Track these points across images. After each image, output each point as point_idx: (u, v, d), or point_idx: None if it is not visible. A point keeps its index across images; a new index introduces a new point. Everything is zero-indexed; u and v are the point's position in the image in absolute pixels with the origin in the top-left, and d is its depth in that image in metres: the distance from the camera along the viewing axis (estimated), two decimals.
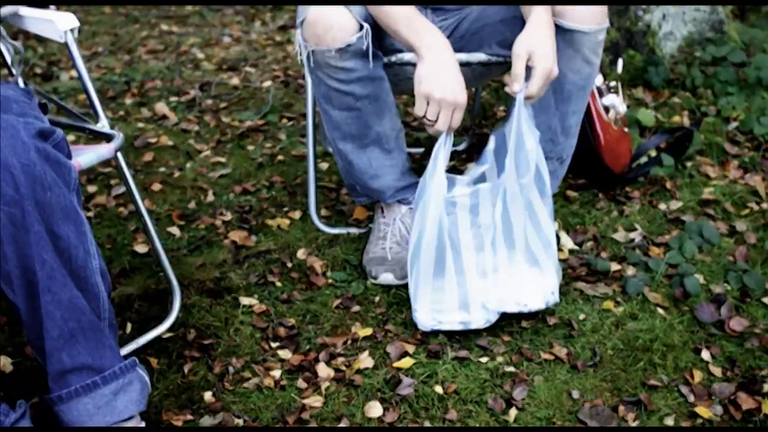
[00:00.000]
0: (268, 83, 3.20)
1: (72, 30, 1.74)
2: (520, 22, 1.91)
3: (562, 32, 1.83)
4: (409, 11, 1.78)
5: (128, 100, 3.08)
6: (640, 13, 3.11)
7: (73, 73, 3.36)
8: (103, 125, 1.78)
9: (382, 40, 1.93)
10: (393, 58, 1.94)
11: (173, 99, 3.08)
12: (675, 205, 2.34)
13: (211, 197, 2.40)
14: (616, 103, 2.52)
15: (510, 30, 1.94)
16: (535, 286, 1.83)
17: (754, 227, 2.24)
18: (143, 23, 4.07)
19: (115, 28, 4.02)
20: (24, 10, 1.84)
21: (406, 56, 1.95)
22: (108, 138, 1.72)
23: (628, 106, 2.84)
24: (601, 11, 1.83)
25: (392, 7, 1.77)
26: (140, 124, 2.87)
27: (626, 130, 2.54)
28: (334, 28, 1.74)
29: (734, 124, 2.78)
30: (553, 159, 1.99)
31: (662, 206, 2.34)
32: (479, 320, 1.80)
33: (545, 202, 1.79)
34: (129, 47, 3.71)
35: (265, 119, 2.89)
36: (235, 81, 3.22)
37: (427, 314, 1.80)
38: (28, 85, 1.96)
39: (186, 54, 3.57)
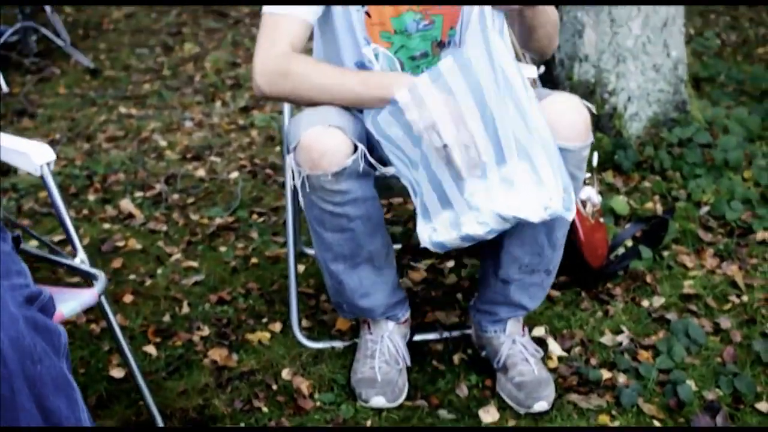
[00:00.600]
0: (235, 174, 3.14)
1: (48, 164, 1.67)
2: None
3: None
4: (354, 72, 1.80)
5: (91, 197, 2.99)
6: (606, 96, 3.14)
7: None
8: (82, 260, 1.70)
9: (372, 153, 1.88)
10: (381, 172, 1.91)
11: (138, 194, 3.00)
12: (658, 301, 2.33)
13: (186, 308, 2.32)
14: (592, 195, 2.52)
15: None
16: (534, 197, 1.66)
17: (737, 323, 2.23)
18: (101, 105, 3.98)
19: (72, 111, 3.92)
20: None
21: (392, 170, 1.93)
22: (87, 276, 1.65)
23: (600, 193, 2.84)
24: (585, 128, 1.83)
25: (339, 77, 1.76)
26: (106, 225, 2.78)
27: (601, 220, 2.53)
28: (329, 152, 1.70)
29: (705, 209, 2.80)
30: (540, 271, 1.97)
31: (645, 303, 2.33)
32: (470, 222, 1.66)
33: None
34: (88, 134, 3.62)
35: (234, 215, 2.83)
36: (201, 172, 3.16)
37: (424, 233, 1.72)
38: None
39: (148, 141, 3.49)
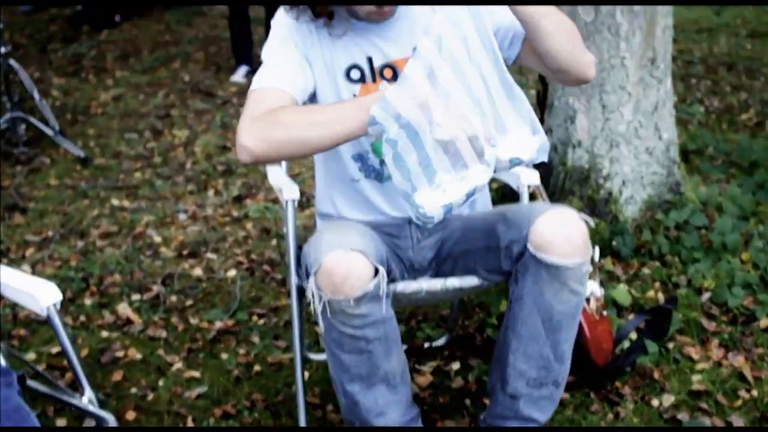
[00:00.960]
0: (232, 272, 3.11)
1: (54, 304, 1.64)
2: (506, 252, 1.90)
3: (545, 267, 1.82)
4: (348, 101, 1.77)
5: (88, 301, 2.95)
6: (600, 181, 3.15)
7: (26, 268, 3.22)
8: (90, 399, 1.67)
9: (389, 274, 1.87)
10: (396, 288, 1.91)
11: (135, 297, 2.96)
12: (668, 400, 2.31)
13: (190, 424, 2.28)
14: (595, 289, 2.51)
15: (495, 257, 1.93)
16: (524, 138, 1.73)
17: (749, 420, 2.22)
18: (92, 198, 3.96)
19: (64, 205, 3.89)
20: (2, 275, 1.74)
21: (410, 285, 1.96)
22: (96, 418, 1.61)
23: (600, 282, 2.84)
24: (583, 244, 1.83)
25: (335, 108, 1.72)
26: (104, 333, 2.74)
27: (604, 313, 2.52)
28: (352, 276, 1.70)
29: (707, 295, 2.80)
30: (549, 384, 1.95)
31: (655, 402, 2.30)
32: (478, 172, 1.67)
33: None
34: (81, 230, 3.59)
35: (234, 318, 2.80)
36: (198, 271, 3.13)
37: (431, 199, 1.67)
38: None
39: (142, 237, 3.47)
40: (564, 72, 1.83)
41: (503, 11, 1.86)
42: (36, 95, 4.69)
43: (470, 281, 1.98)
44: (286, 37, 1.89)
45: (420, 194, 1.69)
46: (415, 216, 1.71)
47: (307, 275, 1.81)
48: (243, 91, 5.62)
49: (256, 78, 1.85)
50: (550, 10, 1.77)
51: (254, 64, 5.79)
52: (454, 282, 1.98)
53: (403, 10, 1.92)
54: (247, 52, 5.93)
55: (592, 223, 1.91)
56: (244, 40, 5.89)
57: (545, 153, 1.74)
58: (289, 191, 2.02)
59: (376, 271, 1.74)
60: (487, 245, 1.94)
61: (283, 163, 2.33)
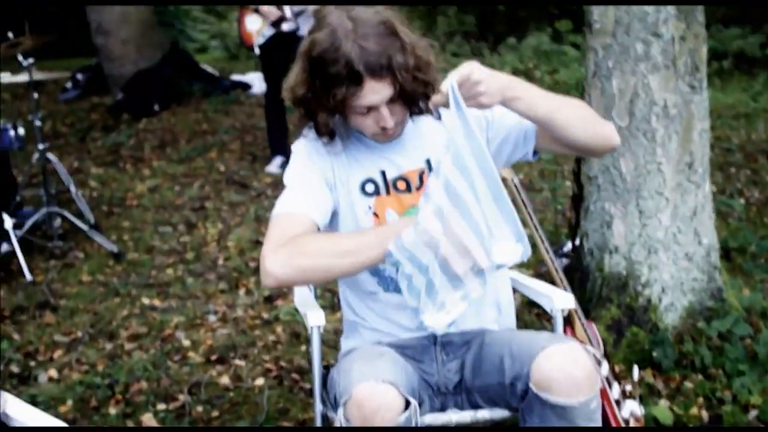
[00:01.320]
0: (260, 381, 3.04)
1: None
2: (510, 389, 1.84)
3: (551, 407, 1.75)
4: (367, 231, 1.87)
5: (112, 410, 2.89)
6: (639, 288, 3.06)
7: (52, 372, 3.19)
8: None
9: (421, 405, 1.81)
10: (425, 420, 1.84)
11: (161, 406, 2.90)
12: None
13: None
14: (635, 409, 2.43)
15: (510, 394, 1.86)
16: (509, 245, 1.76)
17: None
18: (123, 296, 3.94)
19: (95, 303, 3.88)
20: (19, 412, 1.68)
21: (440, 417, 1.91)
22: None
23: (641, 398, 2.72)
24: (587, 381, 1.74)
25: (356, 238, 1.84)
26: None
27: None
28: (383, 408, 1.65)
29: (754, 413, 2.67)
30: None
31: None
32: (475, 286, 1.76)
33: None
34: (110, 330, 3.56)
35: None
36: (225, 379, 3.07)
37: (437, 319, 1.78)
38: None
39: (171, 340, 3.43)
40: (590, 150, 1.92)
41: (508, 115, 1.89)
42: (72, 188, 4.74)
43: (501, 413, 1.91)
44: (305, 160, 1.96)
45: (427, 316, 1.78)
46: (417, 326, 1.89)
47: (335, 402, 1.79)
48: (278, 182, 5.63)
49: (280, 202, 1.91)
50: (559, 102, 1.81)
51: (289, 154, 5.81)
52: (484, 414, 1.91)
53: (411, 127, 1.98)
54: (282, 142, 5.96)
55: (599, 355, 1.84)
56: (279, 129, 5.93)
57: (527, 254, 1.76)
58: (314, 318, 1.97)
59: (407, 403, 1.69)
60: (498, 381, 1.89)
61: None
